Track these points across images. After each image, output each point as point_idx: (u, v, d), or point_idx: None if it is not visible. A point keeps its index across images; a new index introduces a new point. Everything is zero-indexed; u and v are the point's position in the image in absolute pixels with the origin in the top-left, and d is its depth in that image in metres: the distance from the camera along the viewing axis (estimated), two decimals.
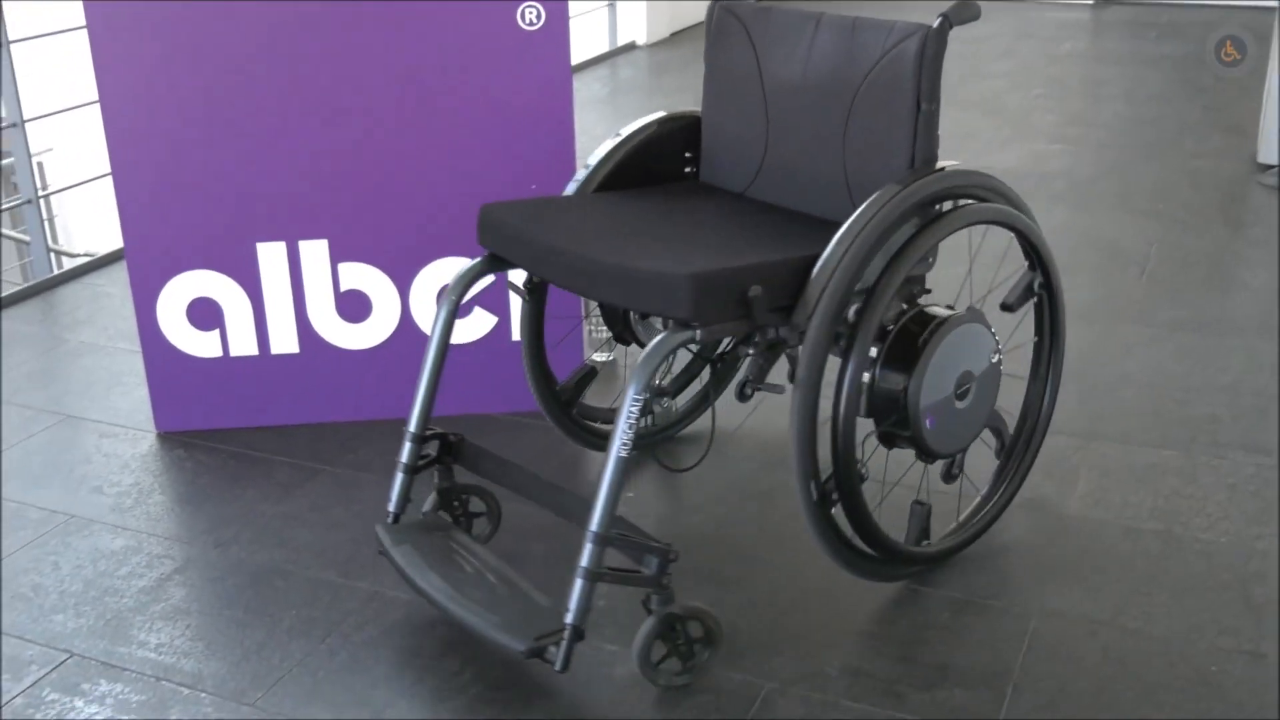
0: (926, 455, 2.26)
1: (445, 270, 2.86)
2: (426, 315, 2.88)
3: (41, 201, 4.04)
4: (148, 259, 2.81)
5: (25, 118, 3.83)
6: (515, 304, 2.88)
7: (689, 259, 2.06)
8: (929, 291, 2.27)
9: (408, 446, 2.32)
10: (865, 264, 2.07)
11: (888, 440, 2.24)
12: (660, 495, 2.67)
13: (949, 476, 2.41)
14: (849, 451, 2.11)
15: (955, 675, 2.10)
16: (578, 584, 1.97)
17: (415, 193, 2.80)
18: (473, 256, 2.81)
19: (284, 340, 2.87)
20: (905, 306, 2.21)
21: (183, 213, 2.78)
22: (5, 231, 6.81)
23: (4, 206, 4.24)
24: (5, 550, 2.51)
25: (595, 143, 2.55)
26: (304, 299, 2.85)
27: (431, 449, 2.38)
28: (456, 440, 2.38)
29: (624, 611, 2.22)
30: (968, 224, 2.21)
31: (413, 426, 2.32)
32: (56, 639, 2.24)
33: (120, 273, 3.89)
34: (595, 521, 1.96)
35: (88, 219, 6.62)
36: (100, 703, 2.09)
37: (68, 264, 4.11)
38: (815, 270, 2.06)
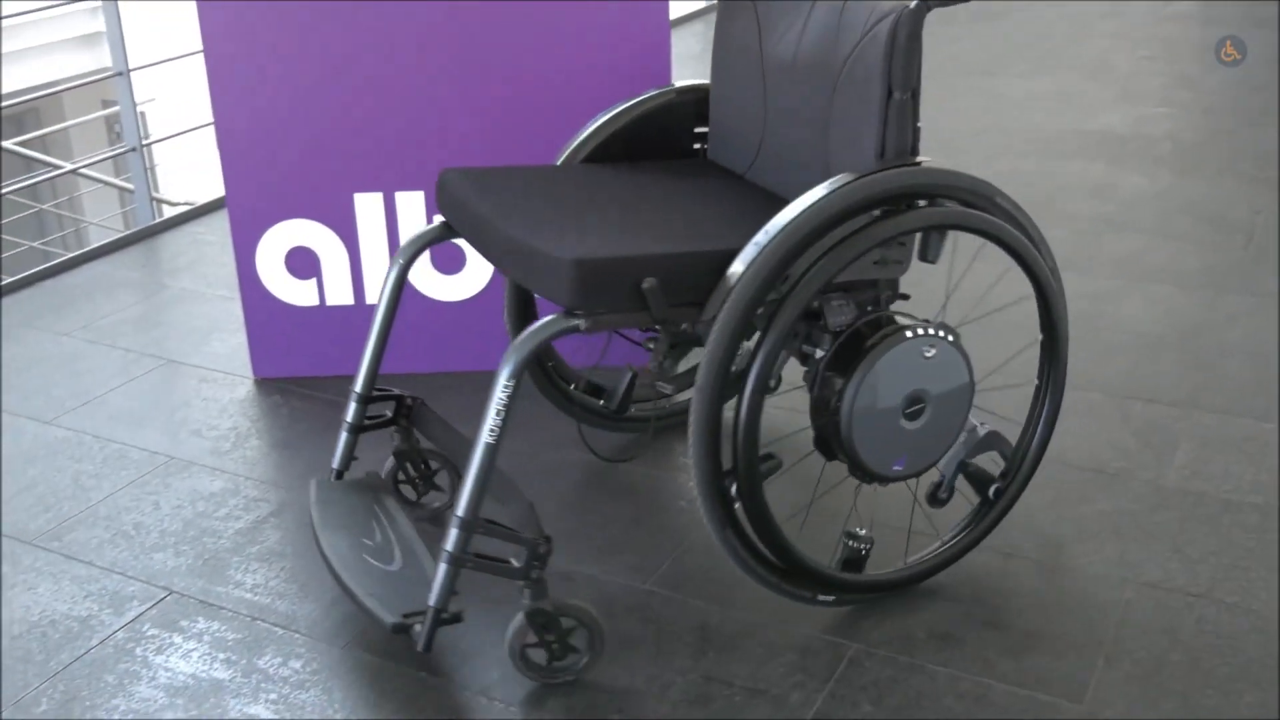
0: (860, 473, 2.07)
1: None
2: None
3: (144, 150, 4.11)
4: (248, 207, 2.85)
5: (130, 67, 3.89)
6: None
7: (587, 242, 1.95)
8: (905, 298, 2.13)
9: (352, 406, 2.29)
10: (786, 263, 1.91)
11: (826, 450, 2.08)
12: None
13: (935, 500, 2.23)
14: (749, 448, 1.95)
15: (1045, 643, 2.08)
16: (440, 568, 1.93)
17: (510, 148, 2.81)
18: None
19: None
20: (870, 309, 2.06)
21: (283, 162, 2.81)
22: (109, 179, 6.97)
23: (109, 154, 4.32)
24: (110, 488, 2.58)
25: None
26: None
27: (389, 410, 2.34)
28: (414, 403, 2.33)
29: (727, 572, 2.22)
30: (920, 227, 2.02)
31: (358, 387, 2.29)
32: (156, 576, 2.30)
33: (219, 221, 3.95)
34: (461, 506, 1.92)
35: (184, 169, 6.74)
36: (198, 639, 2.14)
37: (168, 212, 4.19)
38: (733, 265, 1.93)
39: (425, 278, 2.90)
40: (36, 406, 2.89)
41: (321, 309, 2.92)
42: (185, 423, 2.82)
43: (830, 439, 2.04)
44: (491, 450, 1.92)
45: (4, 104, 4.37)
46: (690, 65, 5.78)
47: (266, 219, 2.85)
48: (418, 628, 1.95)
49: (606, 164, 2.39)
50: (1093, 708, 1.94)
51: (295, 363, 2.98)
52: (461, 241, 2.86)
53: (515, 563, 1.96)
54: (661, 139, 2.43)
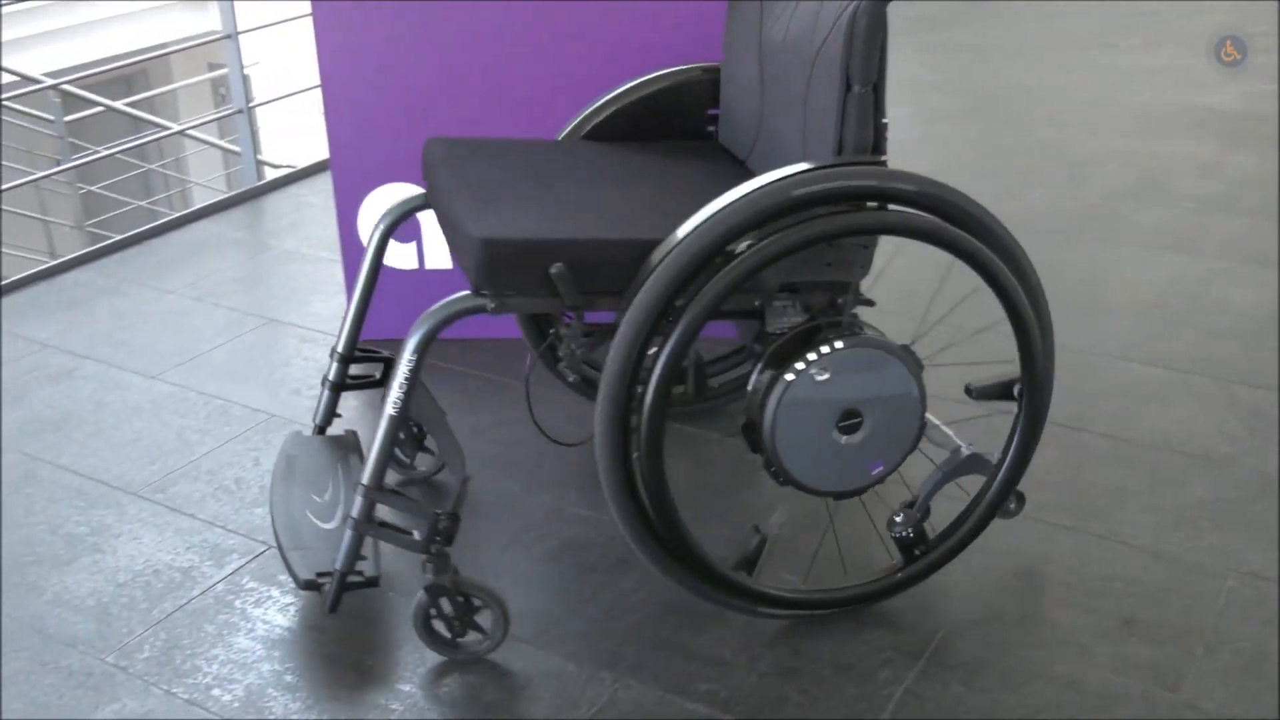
0: (783, 478, 1.96)
1: None
2: None
3: (250, 112, 4.17)
4: (351, 170, 2.88)
5: (239, 30, 3.95)
6: None
7: (507, 222, 1.92)
8: (869, 303, 2.00)
9: (334, 365, 2.31)
10: (704, 257, 1.81)
11: (756, 448, 1.98)
12: None
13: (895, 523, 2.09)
14: (651, 439, 1.87)
15: (1142, 630, 2.04)
16: (346, 533, 1.96)
17: None
18: None
19: None
20: (821, 314, 1.96)
21: (387, 126, 2.84)
22: (215, 140, 7.10)
23: (216, 116, 4.39)
24: (212, 443, 2.63)
25: None
26: None
27: (378, 371, 2.36)
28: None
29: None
30: (854, 231, 1.88)
31: (340, 346, 2.30)
32: (256, 531, 2.35)
33: (322, 183, 4.01)
34: (365, 475, 1.93)
35: (286, 132, 6.83)
36: (295, 594, 2.18)
37: (271, 174, 4.26)
38: (653, 255, 1.85)
39: None
40: (143, 361, 2.96)
41: (420, 273, 2.95)
42: (285, 381, 2.87)
43: (757, 437, 1.95)
44: (394, 422, 1.94)
45: (114, 65, 4.47)
46: None
47: (369, 182, 2.89)
48: (327, 587, 1.99)
49: (605, 142, 2.33)
50: (1190, 697, 1.91)
51: (392, 325, 2.99)
52: None
53: (417, 535, 1.96)
54: (677, 118, 2.36)
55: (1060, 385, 2.12)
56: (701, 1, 2.69)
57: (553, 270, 1.85)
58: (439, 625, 2.00)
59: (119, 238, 3.66)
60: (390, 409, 1.94)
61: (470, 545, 2.27)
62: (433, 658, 2.01)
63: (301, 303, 3.24)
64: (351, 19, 2.76)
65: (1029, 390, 2.03)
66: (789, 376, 1.87)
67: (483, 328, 2.96)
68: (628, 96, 2.35)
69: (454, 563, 1.97)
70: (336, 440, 2.37)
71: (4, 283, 3.34)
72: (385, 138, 2.85)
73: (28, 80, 4.56)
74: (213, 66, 10.77)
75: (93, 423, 2.72)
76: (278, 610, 2.14)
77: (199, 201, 4.98)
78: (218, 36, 4.04)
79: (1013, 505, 2.18)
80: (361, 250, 2.91)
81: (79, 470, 2.54)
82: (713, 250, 1.81)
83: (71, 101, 5.68)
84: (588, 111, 2.35)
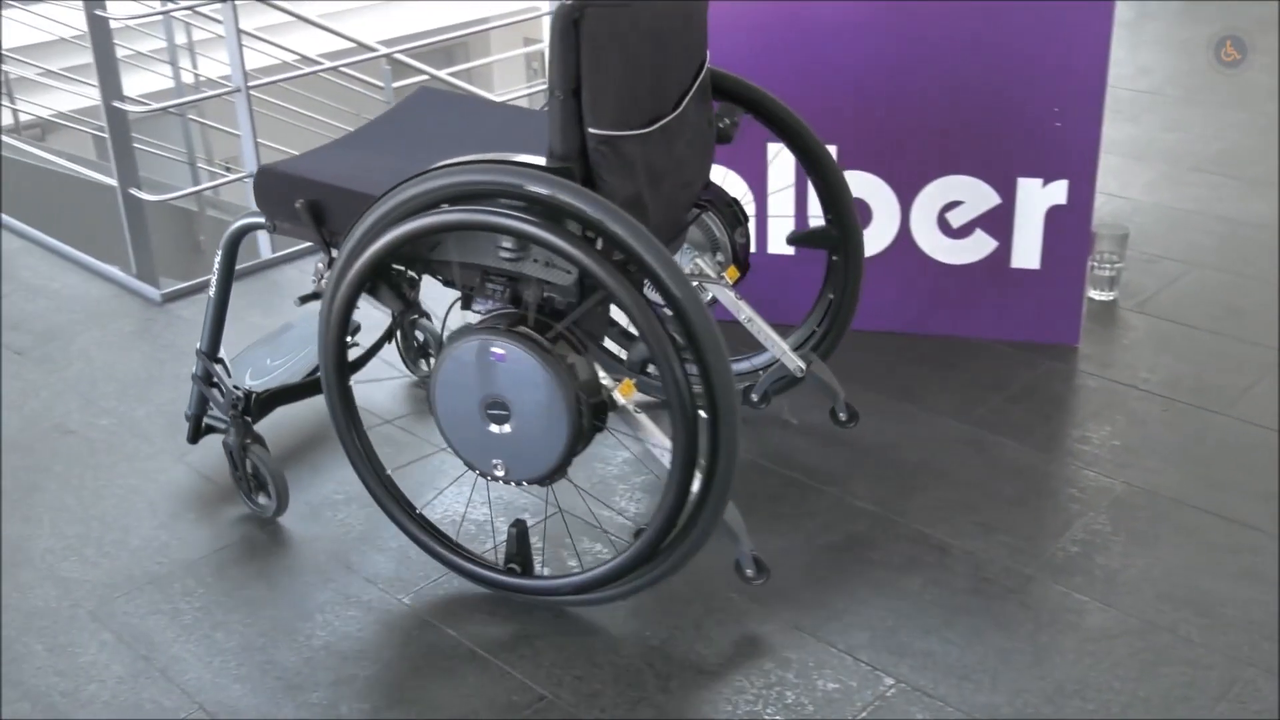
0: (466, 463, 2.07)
1: (951, 188, 2.79)
2: (926, 231, 2.84)
3: None
4: None
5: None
6: (1020, 228, 2.79)
7: (295, 160, 2.24)
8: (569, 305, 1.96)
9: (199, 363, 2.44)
10: (383, 226, 1.97)
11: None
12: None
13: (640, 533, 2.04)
14: (342, 410, 2.15)
15: None
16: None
17: (930, 107, 2.75)
18: (981, 177, 2.76)
19: (782, 242, 2.92)
20: (527, 306, 1.97)
21: None
22: None
23: (530, 90, 4.53)
24: None
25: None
26: (806, 203, 2.88)
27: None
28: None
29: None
30: (433, 227, 1.95)
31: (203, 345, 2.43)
32: (547, 492, 2.41)
33: None
34: (201, 341, 2.38)
35: None
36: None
37: None
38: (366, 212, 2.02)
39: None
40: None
41: None
42: None
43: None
44: (210, 300, 2.36)
45: (440, 39, 4.63)
46: (1117, 33, 5.47)
47: None
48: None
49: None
50: None
51: None
52: (867, 197, 2.84)
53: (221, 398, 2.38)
54: None
55: None
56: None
57: (296, 204, 2.12)
58: (241, 479, 2.38)
59: None
60: (210, 291, 2.37)
61: (752, 529, 2.28)
62: (723, 649, 2.03)
63: None
64: None
65: (706, 379, 1.91)
66: (453, 347, 1.97)
67: (777, 313, 2.97)
68: None
69: (255, 437, 2.35)
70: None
71: None
72: None
73: (364, 48, 4.80)
74: (528, 41, 11.13)
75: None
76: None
77: None
78: (540, 14, 4.16)
79: (750, 572, 2.09)
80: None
81: (393, 414, 2.69)
82: (386, 221, 1.98)
83: (398, 69, 5.98)
84: None
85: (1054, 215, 2.77)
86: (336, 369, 2.13)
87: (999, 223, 2.80)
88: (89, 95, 4.78)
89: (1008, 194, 2.77)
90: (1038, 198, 2.76)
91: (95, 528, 2.36)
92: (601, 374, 2.00)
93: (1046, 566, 2.18)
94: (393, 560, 2.25)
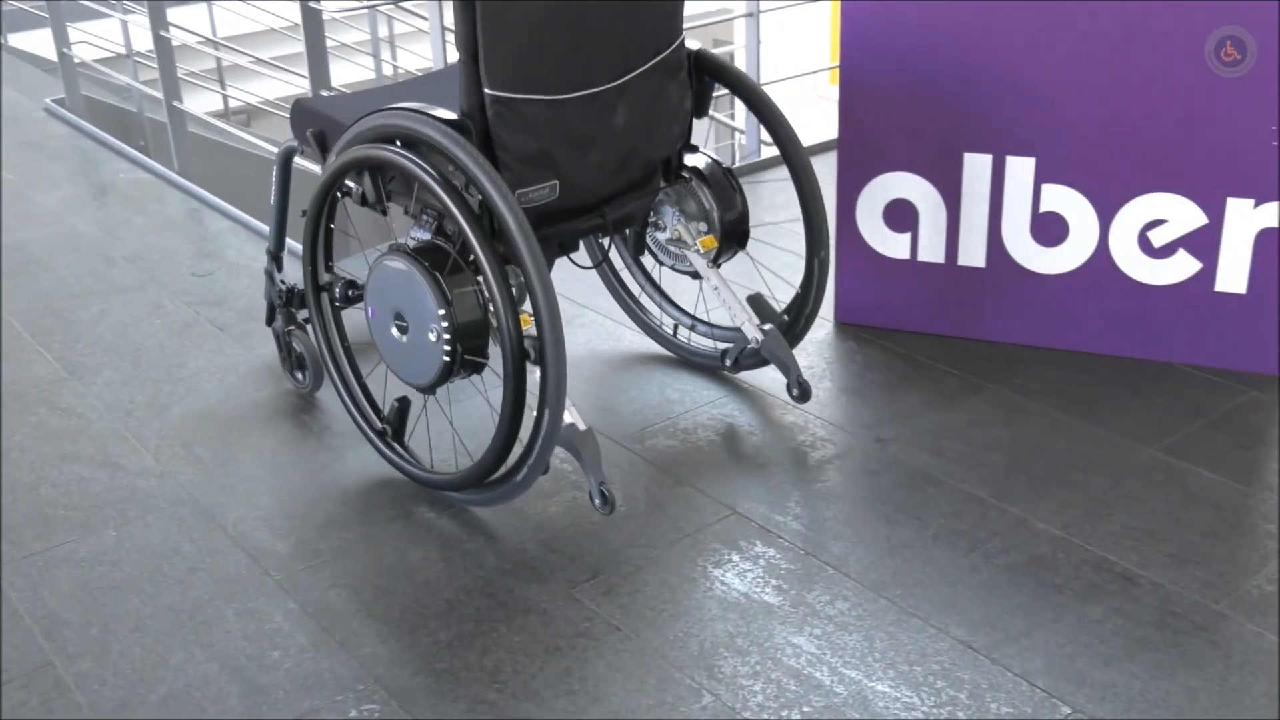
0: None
1: (1153, 206, 2.70)
2: (1126, 249, 2.75)
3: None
4: (857, 154, 2.90)
5: (761, 8, 4.06)
6: (1227, 251, 2.68)
7: (327, 98, 2.63)
8: (447, 240, 2.27)
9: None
10: (340, 165, 2.34)
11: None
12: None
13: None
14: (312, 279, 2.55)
15: None
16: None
17: (1134, 121, 2.66)
18: (1188, 195, 2.66)
19: (972, 253, 2.86)
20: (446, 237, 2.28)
21: (899, 113, 2.82)
22: (718, 116, 7.34)
23: (718, 93, 4.52)
24: (686, 406, 2.73)
25: None
26: (1000, 215, 2.82)
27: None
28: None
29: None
30: (354, 160, 2.31)
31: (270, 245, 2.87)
32: (723, 494, 2.42)
33: (816, 165, 4.00)
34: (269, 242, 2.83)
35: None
36: (754, 561, 2.23)
37: (766, 152, 4.35)
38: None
39: (1024, 248, 2.83)
40: (603, 328, 3.11)
41: (912, 263, 2.93)
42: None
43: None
44: (272, 208, 2.77)
45: None
46: None
47: (873, 168, 2.89)
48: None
49: None
50: None
51: (876, 312, 3.01)
52: (1064, 212, 2.77)
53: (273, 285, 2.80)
54: None
55: None
56: None
57: (306, 132, 2.52)
58: (285, 359, 2.83)
59: None
60: (271, 201, 2.78)
61: (925, 544, 2.25)
62: (884, 649, 2.00)
63: (788, 279, 3.28)
64: (880, 5, 2.76)
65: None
66: (376, 264, 2.30)
67: (964, 326, 2.92)
68: None
69: (298, 324, 2.77)
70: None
71: None
72: (896, 126, 2.84)
73: None
74: (717, 43, 11.16)
75: (588, 368, 2.90)
76: (735, 575, 2.19)
77: None
78: (737, 15, 4.16)
79: (596, 502, 2.32)
80: (857, 234, 2.95)
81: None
82: (341, 149, 2.36)
83: None
84: None
85: (1264, 239, 2.65)
86: (311, 245, 2.52)
87: (1204, 244, 2.69)
88: (294, 83, 4.96)
89: (1215, 214, 2.66)
90: (1248, 220, 2.64)
91: (285, 500, 2.45)
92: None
93: (1240, 604, 2.09)
94: (574, 563, 2.28)
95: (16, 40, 6.58)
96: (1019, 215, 2.80)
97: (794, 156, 2.61)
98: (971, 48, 2.72)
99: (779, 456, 2.53)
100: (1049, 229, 2.79)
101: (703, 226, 2.69)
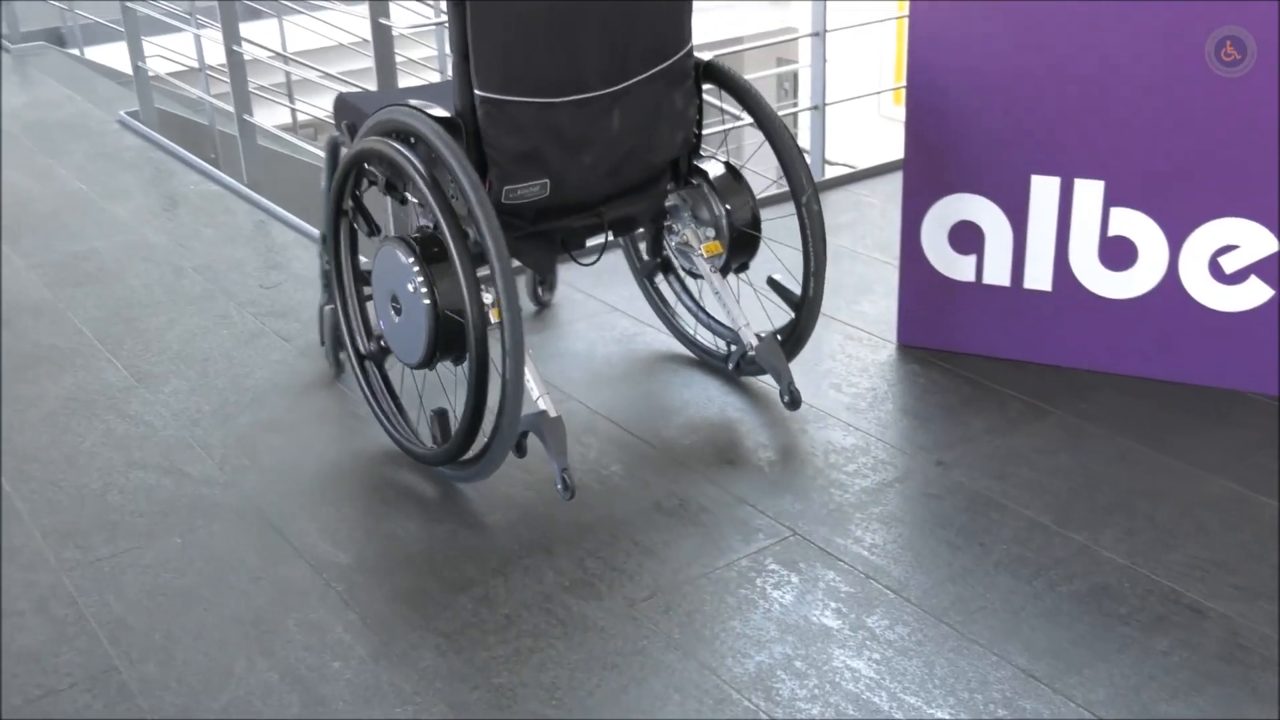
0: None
1: (1225, 231, 2.66)
2: (1196, 275, 2.71)
3: (824, 110, 4.27)
4: (924, 175, 2.88)
5: (827, 28, 4.05)
6: None
7: (370, 94, 2.78)
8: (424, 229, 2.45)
9: None
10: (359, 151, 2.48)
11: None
12: None
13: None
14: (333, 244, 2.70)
15: None
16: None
17: (1205, 146, 2.62)
18: (1261, 221, 2.62)
19: (1039, 276, 2.84)
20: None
21: (966, 135, 2.81)
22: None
23: (792, 110, 4.52)
24: (750, 425, 2.73)
25: None
26: (1067, 238, 2.79)
27: None
28: None
29: None
30: (363, 151, 2.48)
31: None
32: (783, 515, 2.41)
33: (882, 186, 4.04)
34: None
35: (839, 132, 6.94)
36: (813, 584, 2.22)
37: (830, 172, 4.34)
38: None
39: (1091, 272, 2.79)
40: (667, 341, 3.11)
41: (977, 286, 2.90)
42: (828, 375, 2.91)
43: None
44: (323, 191, 2.76)
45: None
46: None
47: (939, 189, 2.87)
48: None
49: None
50: None
51: (940, 335, 2.99)
52: (1133, 236, 2.73)
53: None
54: None
55: None
56: None
57: (344, 123, 2.69)
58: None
59: None
60: (322, 185, 2.83)
61: (986, 570, 2.22)
62: (944, 675, 1.98)
63: (851, 300, 3.28)
64: (949, 24, 2.75)
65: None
66: (378, 250, 2.47)
67: (1028, 350, 2.89)
68: None
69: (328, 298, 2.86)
70: None
71: None
72: (964, 148, 2.82)
73: None
74: (781, 62, 11.15)
75: (633, 380, 2.90)
76: (795, 597, 2.18)
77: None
78: (803, 35, 4.16)
79: (559, 487, 2.41)
80: (921, 256, 2.93)
81: (618, 421, 2.72)
82: (359, 138, 2.52)
83: None
84: None
85: None
86: (334, 214, 2.66)
87: (1276, 270, 2.65)
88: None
89: None
90: None
91: (347, 511, 2.47)
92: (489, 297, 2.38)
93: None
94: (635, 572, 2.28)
95: (93, 53, 6.70)
96: (1087, 239, 2.77)
97: (768, 126, 2.66)
98: (1041, 69, 2.70)
99: (840, 478, 2.52)
100: (1117, 253, 2.76)
101: (710, 232, 2.74)
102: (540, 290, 3.30)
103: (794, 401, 2.67)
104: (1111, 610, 2.13)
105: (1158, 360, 2.81)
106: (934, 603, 2.16)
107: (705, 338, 2.99)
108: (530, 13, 2.31)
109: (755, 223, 2.73)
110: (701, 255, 2.76)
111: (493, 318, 2.32)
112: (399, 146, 2.37)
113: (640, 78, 2.48)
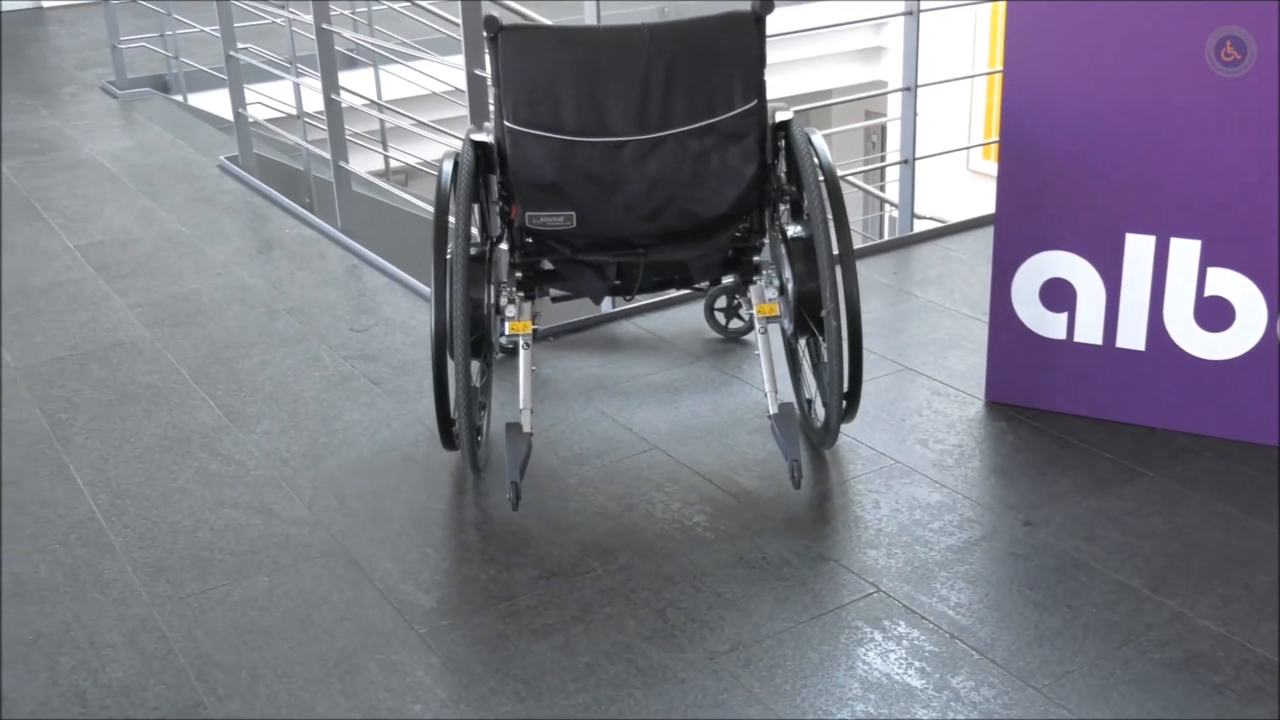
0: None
1: None
2: None
3: (914, 164, 4.26)
4: (1015, 232, 2.85)
5: (919, 83, 4.05)
6: None
7: None
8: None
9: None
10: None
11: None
12: None
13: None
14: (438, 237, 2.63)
15: None
16: None
17: None
18: None
19: (1132, 335, 2.79)
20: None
21: (1058, 193, 2.78)
22: (865, 186, 7.33)
23: (881, 164, 4.51)
24: (838, 477, 2.71)
25: None
26: (1162, 297, 2.75)
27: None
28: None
29: None
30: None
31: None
32: (867, 571, 2.38)
33: (971, 241, 4.01)
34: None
35: (926, 186, 6.91)
36: (897, 642, 2.19)
37: (919, 226, 4.32)
38: None
39: (1187, 332, 2.75)
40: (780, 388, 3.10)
41: (1068, 344, 2.87)
42: (914, 430, 2.89)
43: None
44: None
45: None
46: None
47: (1031, 246, 2.84)
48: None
49: None
50: None
51: (1029, 392, 2.95)
52: (1231, 296, 2.69)
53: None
54: None
55: None
56: None
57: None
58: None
59: None
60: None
61: (1075, 634, 2.18)
62: None
63: (938, 355, 3.25)
64: (1044, 78, 2.73)
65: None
66: None
67: (1120, 410, 2.84)
68: None
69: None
70: None
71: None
72: (1054, 204, 2.79)
73: None
74: (869, 115, 11.15)
75: (717, 430, 2.89)
76: (878, 655, 2.16)
77: None
78: (894, 89, 4.16)
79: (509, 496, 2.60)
80: (1011, 312, 2.90)
81: (702, 471, 2.71)
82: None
83: None
84: None
85: None
86: (439, 212, 2.64)
87: None
88: (453, 146, 5.09)
89: None
90: None
91: (432, 555, 2.49)
92: (512, 310, 2.74)
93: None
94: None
95: (196, 99, 6.89)
96: (1182, 298, 2.73)
97: (810, 219, 2.59)
98: (1136, 125, 2.67)
99: (925, 535, 2.49)
100: (1214, 313, 2.71)
101: (772, 293, 2.78)
102: (727, 321, 3.35)
103: (795, 480, 2.51)
104: (1206, 679, 2.07)
105: (1255, 423, 2.75)
106: (1020, 665, 2.12)
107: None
108: (556, 56, 2.54)
109: (815, 298, 2.58)
110: (752, 312, 2.82)
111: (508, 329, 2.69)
112: (446, 164, 2.64)
113: (681, 129, 2.59)
